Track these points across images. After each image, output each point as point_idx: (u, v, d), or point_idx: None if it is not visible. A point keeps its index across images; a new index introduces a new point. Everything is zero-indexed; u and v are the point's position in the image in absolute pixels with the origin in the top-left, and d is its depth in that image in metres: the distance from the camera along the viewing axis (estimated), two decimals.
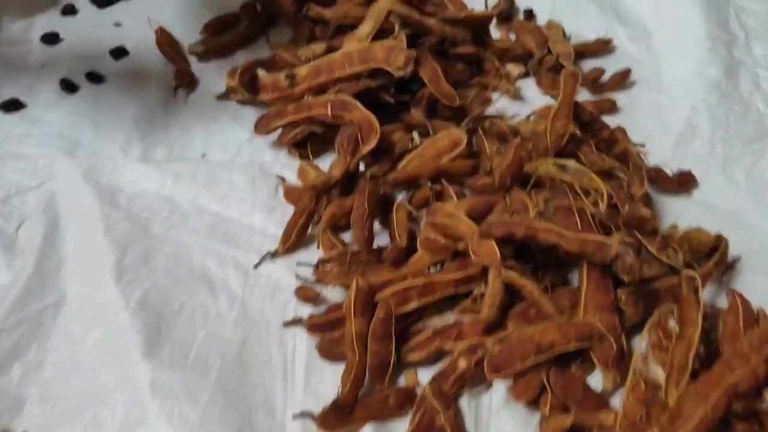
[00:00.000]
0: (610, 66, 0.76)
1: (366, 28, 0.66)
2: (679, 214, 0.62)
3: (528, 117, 0.69)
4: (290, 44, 0.75)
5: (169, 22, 0.79)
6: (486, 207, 0.56)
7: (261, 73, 0.69)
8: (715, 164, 0.67)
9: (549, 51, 0.74)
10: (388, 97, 0.64)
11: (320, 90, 0.66)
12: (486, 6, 0.78)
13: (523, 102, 0.73)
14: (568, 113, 0.60)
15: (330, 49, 0.69)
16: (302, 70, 0.67)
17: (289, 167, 0.66)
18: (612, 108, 0.71)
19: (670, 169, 0.65)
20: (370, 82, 0.63)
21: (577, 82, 0.61)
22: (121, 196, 0.62)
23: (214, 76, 0.75)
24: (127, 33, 0.79)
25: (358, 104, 0.62)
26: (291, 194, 0.62)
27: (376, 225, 0.60)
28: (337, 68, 0.64)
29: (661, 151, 0.67)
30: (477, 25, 0.73)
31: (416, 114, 0.66)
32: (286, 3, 0.77)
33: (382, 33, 0.67)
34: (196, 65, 0.76)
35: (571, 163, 0.58)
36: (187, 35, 0.78)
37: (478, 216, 0.55)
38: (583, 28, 0.81)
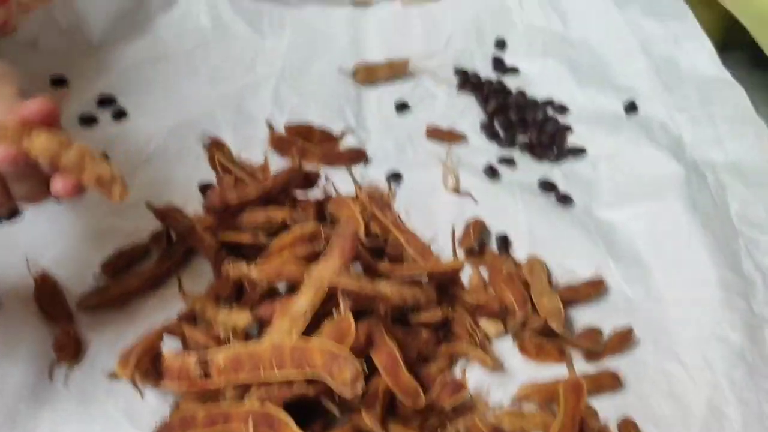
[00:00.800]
0: (604, 314, 0.62)
1: (303, 302, 0.51)
2: None
3: (512, 400, 0.55)
4: (209, 296, 0.59)
5: (57, 260, 0.63)
6: None
7: (167, 352, 0.53)
8: None
9: (532, 304, 0.60)
10: (332, 406, 0.48)
11: (241, 387, 0.49)
12: (454, 247, 0.64)
13: (504, 374, 0.58)
14: None
15: (257, 320, 0.54)
16: (219, 358, 0.50)
17: None
18: (615, 385, 0.57)
19: None
20: (307, 388, 0.47)
21: (583, 395, 0.46)
22: None
23: (106, 338, 0.58)
24: (1, 275, 0.62)
25: (290, 423, 0.46)
26: None
27: None
28: (264, 367, 0.48)
29: None
30: (444, 279, 0.59)
31: (368, 419, 0.50)
32: (207, 236, 0.61)
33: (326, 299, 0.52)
34: (85, 320, 0.59)
35: None
36: (79, 279, 0.62)
37: None
38: (567, 258, 0.67)
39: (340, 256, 0.52)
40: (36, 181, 0.44)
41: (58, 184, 0.43)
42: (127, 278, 0.62)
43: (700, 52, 0.87)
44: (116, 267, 0.63)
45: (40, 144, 0.42)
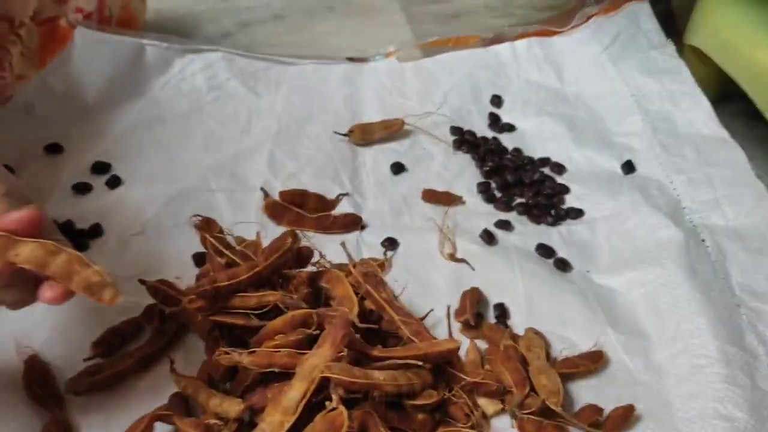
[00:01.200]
0: (604, 387, 0.61)
1: (295, 393, 0.50)
2: None
3: None
4: (201, 377, 0.58)
5: (48, 341, 0.62)
6: None
7: None
8: None
9: (531, 385, 0.59)
10: None
11: None
12: (450, 328, 0.63)
13: None
14: None
15: (249, 408, 0.53)
16: None
17: None
18: None
19: None
20: None
21: None
22: None
23: (97, 423, 0.57)
24: None
25: None
26: None
27: None
28: None
29: None
30: (440, 359, 0.58)
31: None
32: (198, 316, 0.60)
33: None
34: (75, 403, 0.58)
35: None
36: (71, 359, 0.60)
37: None
38: (566, 326, 0.66)
39: (331, 345, 0.51)
40: (23, 288, 0.43)
41: (46, 293, 0.43)
42: (119, 358, 0.60)
43: (697, 110, 0.87)
44: (108, 345, 0.62)
45: (26, 254, 0.41)
